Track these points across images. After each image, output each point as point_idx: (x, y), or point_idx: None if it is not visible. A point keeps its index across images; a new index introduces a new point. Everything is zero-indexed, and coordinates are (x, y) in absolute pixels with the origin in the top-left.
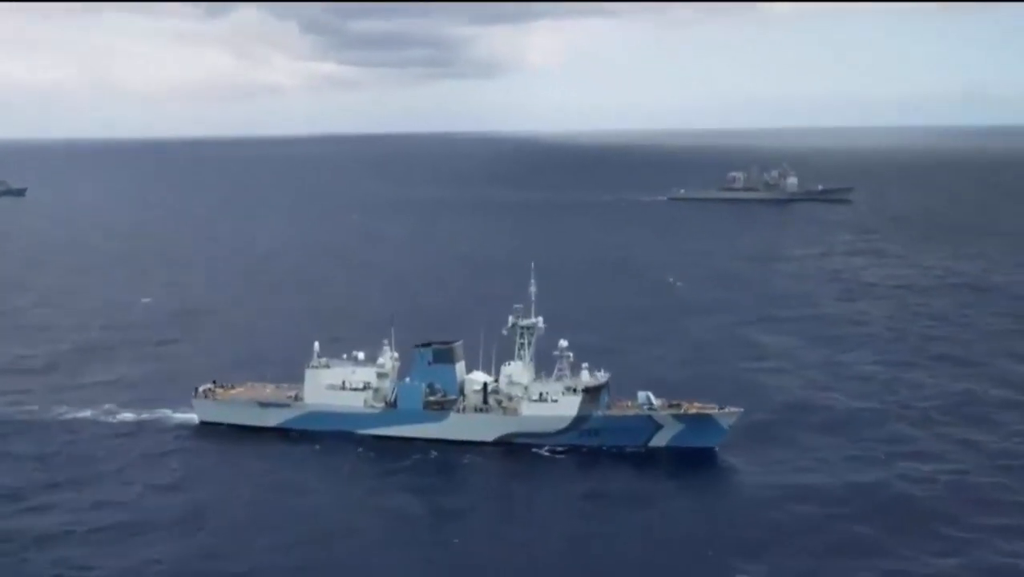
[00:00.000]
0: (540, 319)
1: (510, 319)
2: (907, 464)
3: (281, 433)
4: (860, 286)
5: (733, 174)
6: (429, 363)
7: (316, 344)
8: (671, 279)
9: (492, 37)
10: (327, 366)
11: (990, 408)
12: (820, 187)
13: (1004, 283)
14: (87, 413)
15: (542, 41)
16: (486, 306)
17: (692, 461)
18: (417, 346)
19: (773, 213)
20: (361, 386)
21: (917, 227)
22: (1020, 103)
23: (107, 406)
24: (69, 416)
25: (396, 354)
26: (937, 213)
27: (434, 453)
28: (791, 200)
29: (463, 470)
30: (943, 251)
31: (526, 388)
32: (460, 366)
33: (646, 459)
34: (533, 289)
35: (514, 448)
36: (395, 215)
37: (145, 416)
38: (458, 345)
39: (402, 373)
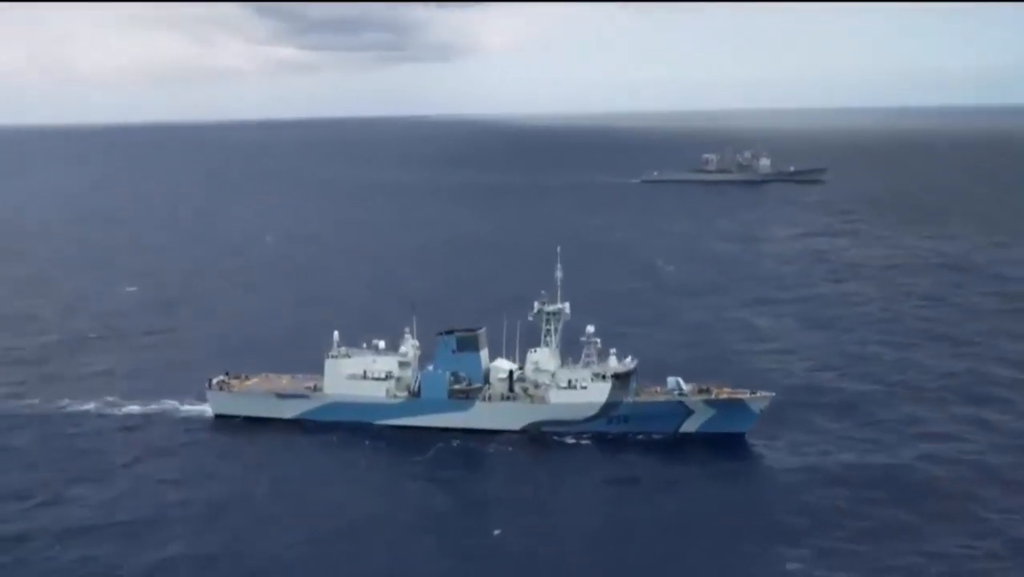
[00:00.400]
0: (566, 305)
1: (535, 305)
2: (928, 445)
3: (300, 425)
4: (846, 267)
5: (707, 156)
6: (453, 351)
7: (335, 333)
8: (660, 262)
9: (448, 20)
10: (347, 356)
11: (996, 387)
12: (792, 168)
13: (985, 262)
14: (90, 406)
15: (499, 23)
16: (489, 291)
17: (723, 446)
18: (440, 334)
19: (747, 194)
20: (383, 376)
21: (891, 208)
22: (970, 84)
23: (110, 398)
24: (72, 409)
25: (417, 342)
26: (908, 194)
27: (456, 442)
28: (764, 181)
29: (489, 459)
30: (920, 231)
31: (553, 375)
32: (484, 354)
33: (677, 445)
34: (559, 274)
35: (540, 436)
36: (370, 199)
37: (153, 408)
38: (482, 332)
39: (423, 361)
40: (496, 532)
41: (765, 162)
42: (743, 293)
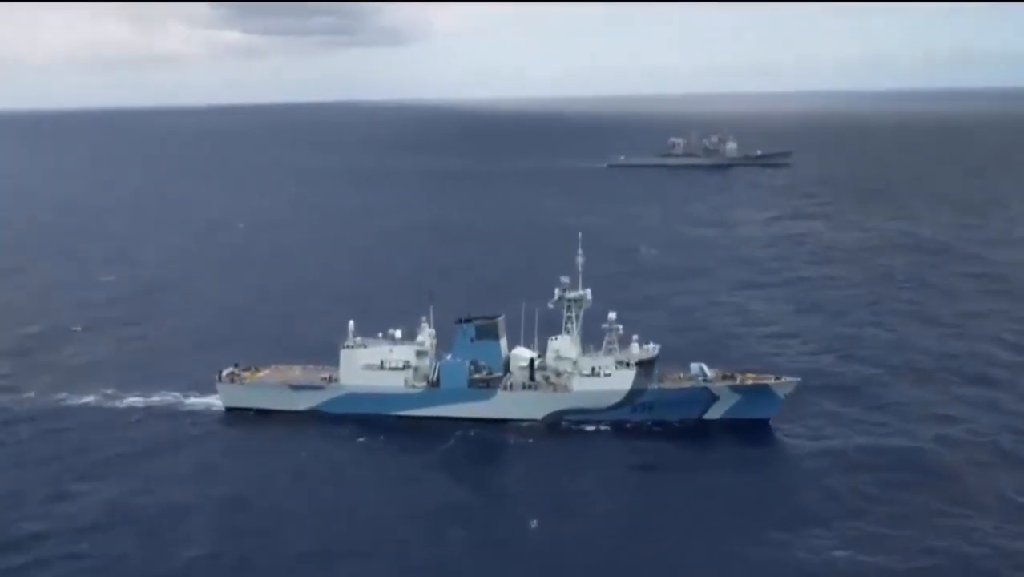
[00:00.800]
0: (588, 291)
1: (556, 292)
2: (941, 428)
3: (315, 417)
4: (824, 249)
5: (673, 140)
6: (472, 340)
7: (351, 323)
8: (643, 247)
9: (398, 4)
10: (363, 345)
11: (995, 368)
12: (759, 152)
13: (953, 243)
14: (89, 399)
15: (450, 7)
16: (479, 278)
17: (749, 432)
18: (458, 321)
19: (715, 178)
20: (401, 365)
21: (856, 190)
22: (918, 70)
23: (108, 391)
24: (72, 402)
25: (433, 331)
26: (872, 177)
27: (476, 433)
28: (731, 165)
29: (515, 449)
30: (886, 213)
31: (575, 363)
32: (503, 342)
33: (703, 432)
34: (580, 260)
35: (560, 425)
36: (334, 185)
37: (155, 401)
38: (501, 320)
39: (438, 351)
40: (533, 524)
41: (732, 146)
42: (729, 277)
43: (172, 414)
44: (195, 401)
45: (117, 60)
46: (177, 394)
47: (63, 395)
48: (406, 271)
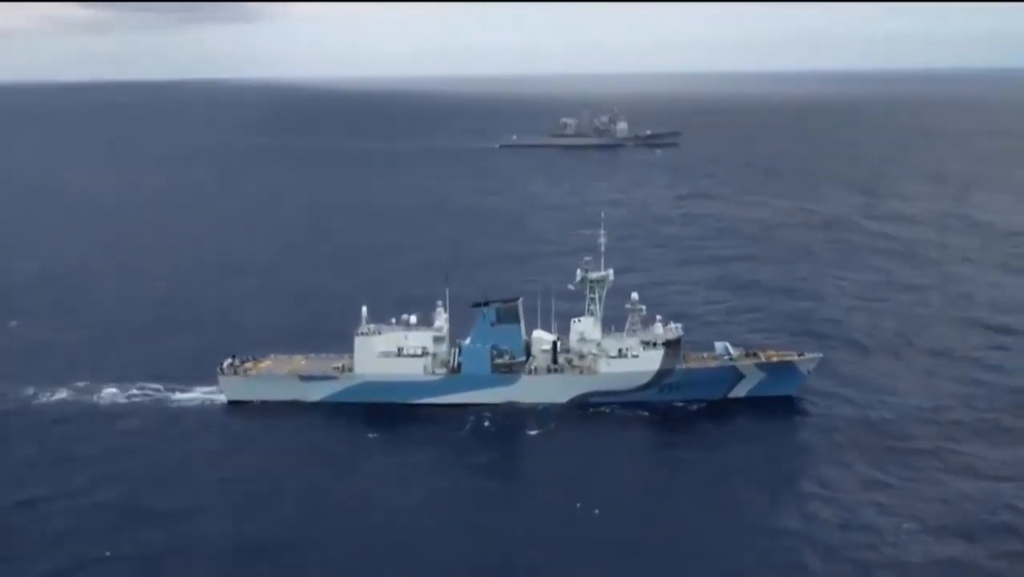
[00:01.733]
0: (610, 271)
1: (578, 273)
2: (932, 401)
3: (328, 408)
4: (735, 225)
5: (564, 120)
6: (492, 324)
7: (364, 309)
8: (581, 229)
9: None
10: (378, 332)
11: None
12: (649, 132)
13: (854, 219)
14: (63, 394)
15: None
16: (403, 260)
17: (775, 408)
18: (476, 305)
19: (607, 158)
20: (419, 352)
21: (747, 170)
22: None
23: (80, 384)
24: (45, 400)
25: (447, 315)
26: (760, 157)
27: (497, 418)
28: (622, 145)
29: (537, 433)
30: (785, 191)
31: (599, 344)
32: (522, 325)
33: (730, 410)
34: (603, 240)
35: (586, 408)
36: (213, 166)
37: (135, 394)
38: (520, 303)
39: (451, 335)
40: (596, 512)
41: (622, 126)
42: (664, 256)
43: (167, 409)
44: (183, 396)
45: None
46: (158, 386)
47: (30, 391)
48: (344, 254)
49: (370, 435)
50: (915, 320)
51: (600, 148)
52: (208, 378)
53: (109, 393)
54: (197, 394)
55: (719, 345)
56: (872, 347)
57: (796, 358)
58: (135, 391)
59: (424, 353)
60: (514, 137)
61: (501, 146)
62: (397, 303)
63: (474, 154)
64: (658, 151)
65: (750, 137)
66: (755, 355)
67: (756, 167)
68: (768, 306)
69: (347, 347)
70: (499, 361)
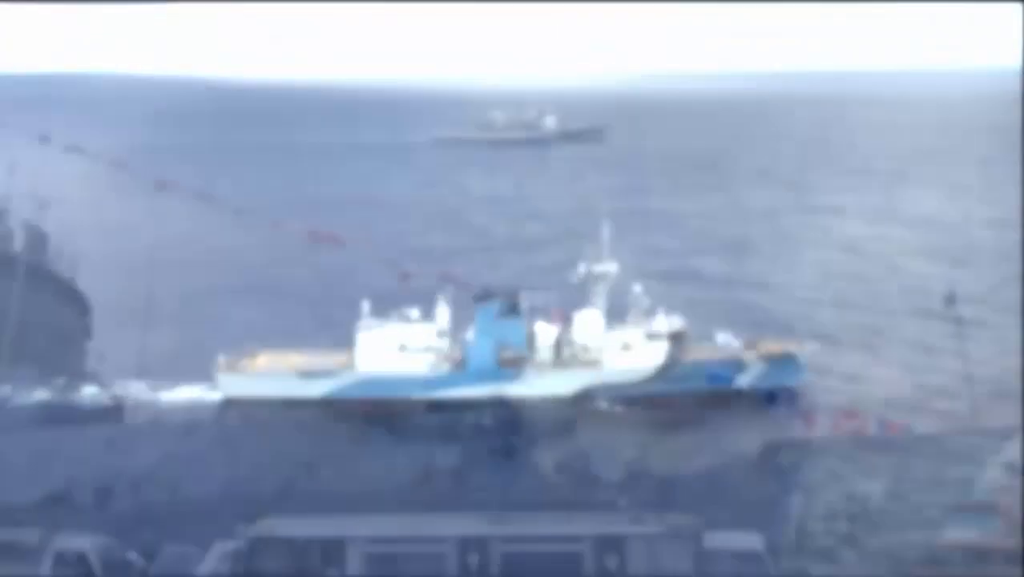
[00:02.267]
0: (615, 264)
1: (581, 265)
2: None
3: (329, 405)
4: (680, 219)
5: (493, 113)
6: (495, 317)
7: (365, 303)
8: (523, 224)
9: None
10: (380, 327)
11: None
12: (576, 127)
13: (794, 213)
14: (45, 394)
15: None
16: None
17: (777, 398)
18: (477, 298)
19: (537, 152)
20: (424, 347)
21: (680, 166)
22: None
23: (59, 380)
24: (19, 401)
25: (449, 310)
26: (698, 153)
27: (500, 413)
28: (549, 139)
29: (539, 428)
30: (727, 187)
31: (604, 338)
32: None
33: (733, 401)
34: (606, 232)
35: (590, 401)
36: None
37: (119, 391)
38: (522, 296)
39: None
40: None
41: (551, 120)
42: (620, 252)
43: (158, 407)
44: (169, 396)
45: None
46: (141, 385)
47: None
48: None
49: (372, 432)
50: (879, 312)
51: (529, 143)
52: (200, 375)
53: (88, 390)
54: (189, 391)
55: (722, 336)
56: (845, 340)
57: (799, 348)
58: (118, 388)
59: (429, 348)
60: (447, 130)
61: (437, 139)
62: (382, 299)
63: (401, 149)
64: (586, 145)
65: (674, 134)
66: (755, 346)
67: (688, 163)
68: (724, 299)
69: (335, 343)
70: (506, 355)
